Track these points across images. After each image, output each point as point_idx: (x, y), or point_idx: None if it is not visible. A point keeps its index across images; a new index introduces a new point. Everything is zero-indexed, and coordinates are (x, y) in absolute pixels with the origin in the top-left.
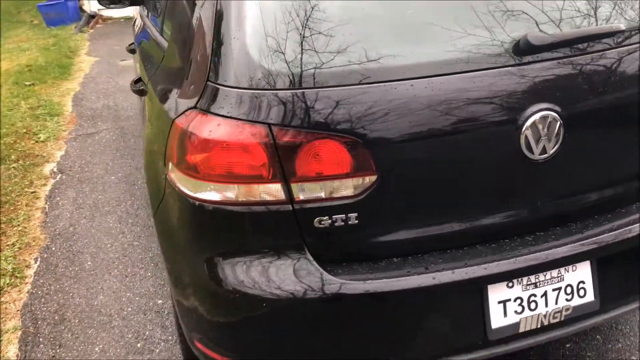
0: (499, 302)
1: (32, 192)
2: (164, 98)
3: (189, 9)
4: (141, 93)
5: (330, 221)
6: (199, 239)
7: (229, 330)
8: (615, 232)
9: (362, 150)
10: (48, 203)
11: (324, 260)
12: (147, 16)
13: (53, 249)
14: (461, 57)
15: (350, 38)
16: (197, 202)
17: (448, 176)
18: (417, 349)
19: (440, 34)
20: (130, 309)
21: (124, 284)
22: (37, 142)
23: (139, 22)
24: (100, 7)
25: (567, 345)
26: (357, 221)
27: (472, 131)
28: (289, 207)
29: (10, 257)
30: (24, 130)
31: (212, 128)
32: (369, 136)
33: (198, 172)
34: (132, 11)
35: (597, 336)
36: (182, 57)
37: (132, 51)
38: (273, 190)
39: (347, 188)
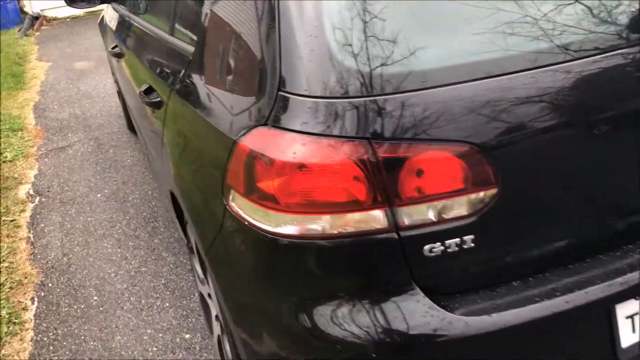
0: (627, 317)
1: (12, 221)
2: (209, 113)
3: (227, 2)
4: (158, 105)
5: (442, 248)
6: (280, 281)
7: None
8: None
9: (479, 159)
10: (32, 231)
11: (435, 294)
12: (135, 13)
13: (50, 285)
14: (585, 40)
15: (452, 28)
16: (275, 238)
17: (575, 180)
18: None
19: (558, 15)
20: (155, 349)
21: (142, 319)
22: (4, 162)
23: (112, 20)
24: (44, 7)
25: None
26: (473, 244)
27: (601, 126)
28: (394, 235)
29: (2, 300)
30: None
31: (295, 149)
32: (487, 142)
33: (277, 202)
34: (78, 10)
35: None
36: (228, 63)
37: (119, 55)
38: (374, 218)
39: (460, 207)
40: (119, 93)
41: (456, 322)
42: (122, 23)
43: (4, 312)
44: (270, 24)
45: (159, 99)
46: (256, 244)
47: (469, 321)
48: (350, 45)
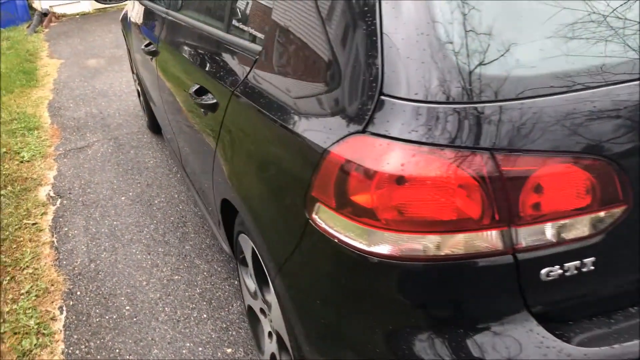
0: None
1: (33, 224)
2: (287, 118)
3: None
4: (212, 108)
5: (560, 272)
6: (372, 305)
7: None
8: None
9: (608, 173)
10: (55, 236)
11: (547, 322)
12: (175, 9)
13: (78, 293)
14: None
15: (579, 28)
16: (368, 257)
17: None
18: None
19: None
20: None
21: (179, 331)
22: (21, 162)
23: (140, 16)
24: (52, 4)
25: None
26: (593, 267)
27: None
28: (509, 258)
29: (29, 309)
30: (3, 150)
31: (403, 160)
32: (617, 154)
33: (377, 219)
34: (87, 7)
35: None
36: (312, 63)
37: (153, 53)
38: (488, 239)
39: (582, 226)
40: (139, 92)
41: (575, 354)
42: (156, 19)
43: (32, 322)
44: (368, 20)
45: (214, 101)
46: (345, 263)
47: (589, 353)
48: (467, 45)
